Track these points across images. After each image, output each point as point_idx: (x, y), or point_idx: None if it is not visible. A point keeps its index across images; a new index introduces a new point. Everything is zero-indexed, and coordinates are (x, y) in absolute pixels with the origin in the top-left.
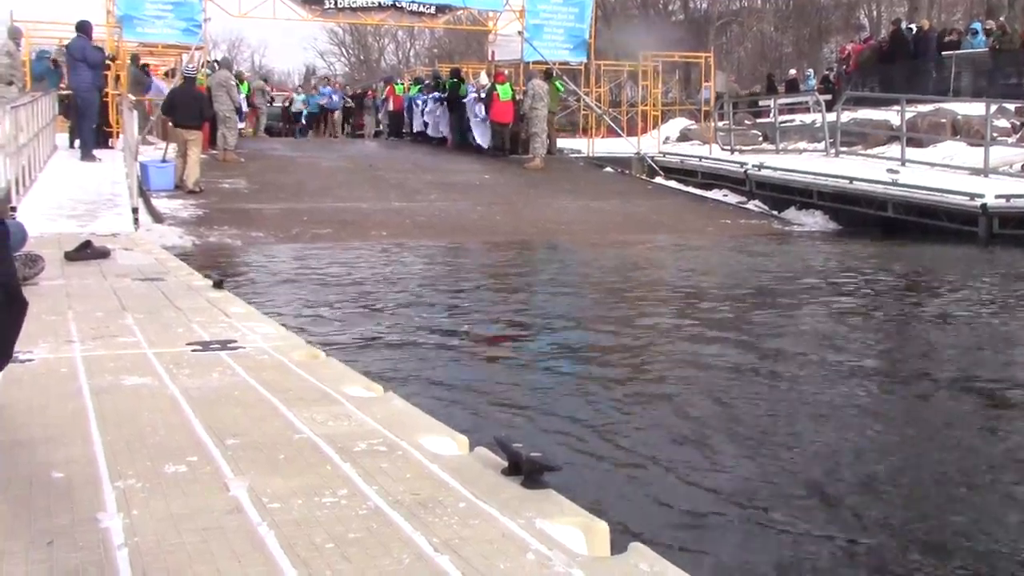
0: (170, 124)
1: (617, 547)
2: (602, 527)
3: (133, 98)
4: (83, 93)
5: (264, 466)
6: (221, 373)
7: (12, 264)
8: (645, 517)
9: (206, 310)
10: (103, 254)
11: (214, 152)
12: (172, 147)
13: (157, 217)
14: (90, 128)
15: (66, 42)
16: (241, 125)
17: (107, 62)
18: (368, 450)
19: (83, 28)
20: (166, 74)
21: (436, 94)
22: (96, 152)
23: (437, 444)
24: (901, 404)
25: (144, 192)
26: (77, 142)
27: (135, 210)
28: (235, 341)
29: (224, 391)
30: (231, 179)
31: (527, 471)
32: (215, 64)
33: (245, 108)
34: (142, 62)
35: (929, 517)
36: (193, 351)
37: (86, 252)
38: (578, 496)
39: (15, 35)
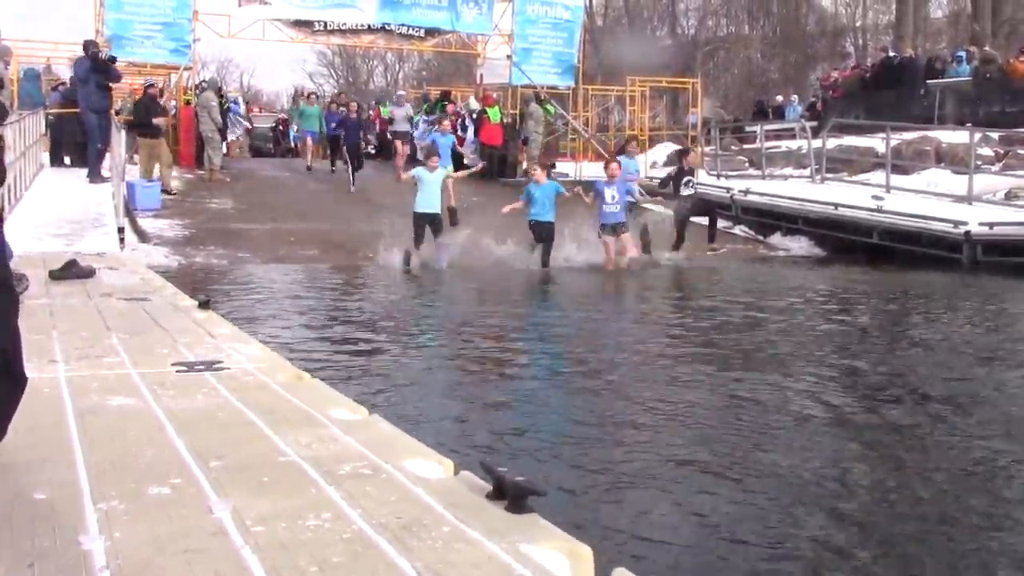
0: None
1: (601, 572)
2: (586, 552)
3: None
4: (85, 113)
5: (248, 488)
6: (206, 394)
7: (17, 334)
8: (630, 542)
9: (191, 331)
10: (88, 273)
11: (201, 172)
12: (157, 165)
13: (143, 236)
14: (94, 149)
15: (54, 61)
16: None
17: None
18: (353, 473)
19: (84, 48)
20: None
21: (426, 116)
22: (79, 171)
23: (422, 467)
24: (878, 429)
25: (130, 211)
26: (67, 159)
27: (121, 229)
28: (220, 362)
29: (209, 412)
30: (218, 199)
31: (512, 495)
32: (202, 85)
33: (243, 126)
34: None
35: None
36: (178, 372)
37: (71, 271)
38: (563, 521)
39: (3, 54)
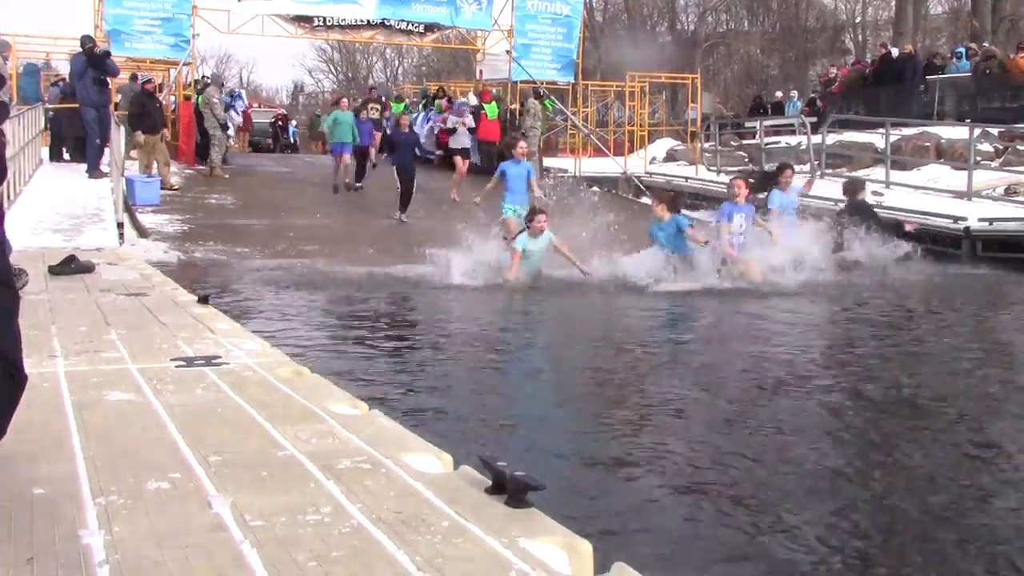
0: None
1: (601, 567)
2: (586, 547)
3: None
4: (84, 108)
5: (247, 483)
6: (205, 389)
7: (18, 335)
8: (630, 537)
9: (191, 326)
10: (87, 269)
11: (200, 168)
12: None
13: (142, 232)
14: (93, 144)
15: (53, 56)
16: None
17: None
18: (352, 468)
19: (81, 43)
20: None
21: (425, 114)
22: (78, 166)
23: (421, 462)
24: (874, 427)
25: (129, 207)
26: (67, 154)
27: (120, 225)
28: (219, 357)
29: (208, 407)
30: (217, 195)
31: (511, 490)
32: (204, 80)
33: (239, 122)
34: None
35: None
36: (177, 367)
37: (70, 267)
38: (563, 515)
39: (1, 49)
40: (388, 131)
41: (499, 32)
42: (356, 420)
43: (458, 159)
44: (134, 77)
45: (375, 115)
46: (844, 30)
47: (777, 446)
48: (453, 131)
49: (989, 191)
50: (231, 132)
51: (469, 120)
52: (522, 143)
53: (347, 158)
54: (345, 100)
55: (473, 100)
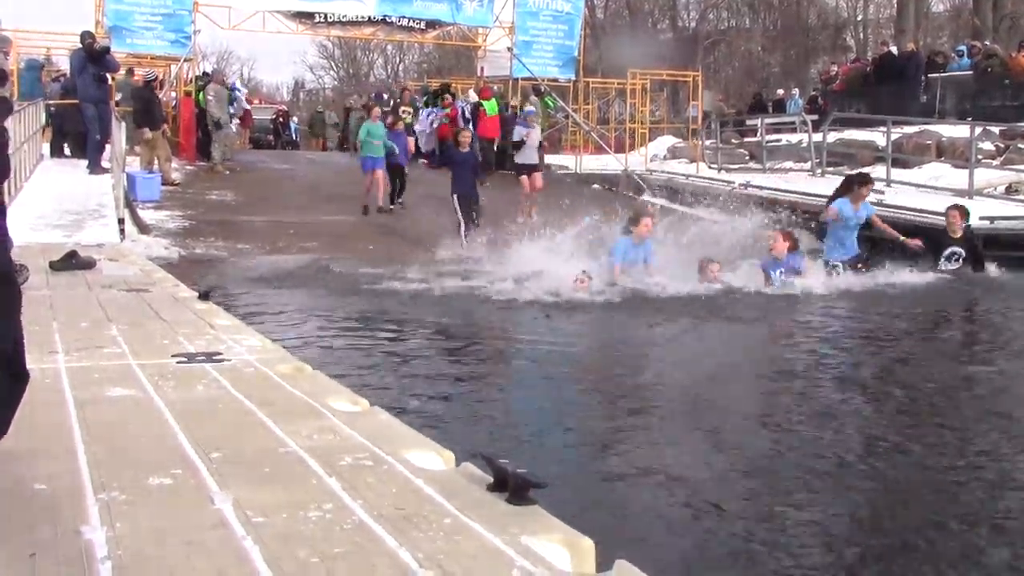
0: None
1: (602, 564)
2: (587, 544)
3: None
4: (82, 104)
5: (249, 480)
6: (206, 386)
7: (20, 331)
8: (631, 535)
9: (192, 322)
10: (88, 264)
11: (202, 164)
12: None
13: (143, 228)
14: (93, 139)
15: (54, 52)
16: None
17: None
18: (353, 464)
19: (80, 39)
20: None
21: (428, 109)
22: (79, 162)
23: (422, 459)
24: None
25: (130, 203)
26: (68, 150)
27: (121, 221)
28: (220, 353)
29: (209, 404)
30: (218, 191)
31: (513, 487)
32: (205, 76)
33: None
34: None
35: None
36: (178, 363)
37: (71, 262)
38: (564, 513)
39: (2, 44)
40: (445, 149)
41: (500, 29)
42: (357, 416)
43: (524, 177)
44: (130, 71)
45: (408, 119)
46: (845, 28)
47: (784, 446)
48: (521, 143)
49: (990, 190)
50: (231, 130)
51: (537, 132)
52: (651, 219)
53: (379, 174)
54: (377, 109)
55: (474, 97)
